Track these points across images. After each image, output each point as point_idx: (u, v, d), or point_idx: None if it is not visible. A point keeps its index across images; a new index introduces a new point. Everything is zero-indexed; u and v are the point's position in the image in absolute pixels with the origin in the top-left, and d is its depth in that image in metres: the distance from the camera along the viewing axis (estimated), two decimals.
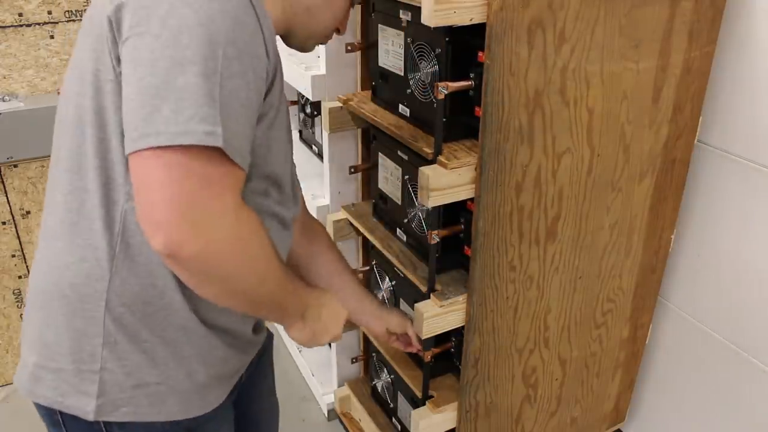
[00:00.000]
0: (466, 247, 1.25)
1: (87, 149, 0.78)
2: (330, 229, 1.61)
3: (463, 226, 1.25)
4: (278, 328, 2.31)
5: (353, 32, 1.48)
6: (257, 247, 0.77)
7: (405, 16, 1.23)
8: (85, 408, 0.82)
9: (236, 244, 0.73)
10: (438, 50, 1.15)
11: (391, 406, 1.70)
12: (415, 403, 1.50)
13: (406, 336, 1.34)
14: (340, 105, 1.48)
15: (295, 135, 2.10)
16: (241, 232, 0.73)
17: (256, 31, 0.75)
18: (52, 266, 0.83)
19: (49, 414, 0.86)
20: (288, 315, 0.91)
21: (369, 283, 1.68)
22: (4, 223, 1.91)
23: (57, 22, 1.82)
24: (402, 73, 1.30)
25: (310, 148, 1.99)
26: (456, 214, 1.25)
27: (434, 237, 1.21)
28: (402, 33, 1.26)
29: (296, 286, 0.90)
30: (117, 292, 0.80)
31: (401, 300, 1.50)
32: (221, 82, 0.70)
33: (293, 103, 2.05)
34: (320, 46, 1.49)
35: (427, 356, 1.34)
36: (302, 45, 1.01)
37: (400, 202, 1.41)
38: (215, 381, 0.90)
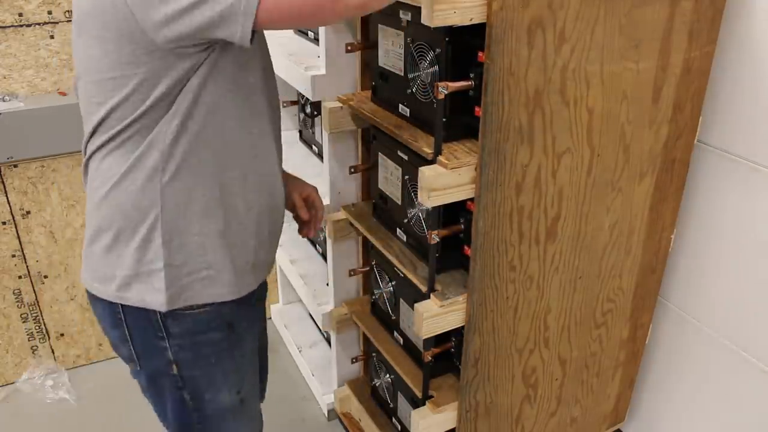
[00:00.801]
0: (466, 247, 1.25)
1: None
2: (330, 229, 1.61)
3: (463, 226, 1.25)
4: (276, 330, 2.31)
5: (353, 32, 1.48)
6: None
7: (405, 16, 1.23)
8: (159, 301, 1.00)
9: None
10: (438, 50, 1.15)
11: (391, 406, 1.70)
12: (415, 403, 1.50)
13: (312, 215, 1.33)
14: (340, 105, 1.48)
15: (295, 135, 2.10)
16: None
17: None
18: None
19: (111, 313, 1.03)
20: None
21: (369, 283, 1.68)
22: (4, 223, 1.91)
23: (57, 22, 1.82)
24: (402, 73, 1.30)
25: (310, 148, 1.99)
26: (456, 214, 1.25)
27: (434, 237, 1.21)
28: (402, 33, 1.26)
29: None
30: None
31: (401, 300, 1.50)
32: None
33: (293, 103, 2.05)
34: (320, 45, 1.50)
35: (427, 356, 1.34)
36: None
37: (400, 202, 1.41)
38: (250, 268, 1.07)
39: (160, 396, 1.11)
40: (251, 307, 1.14)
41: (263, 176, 1.06)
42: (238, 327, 1.09)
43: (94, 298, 1.06)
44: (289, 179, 1.29)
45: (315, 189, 1.32)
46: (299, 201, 1.29)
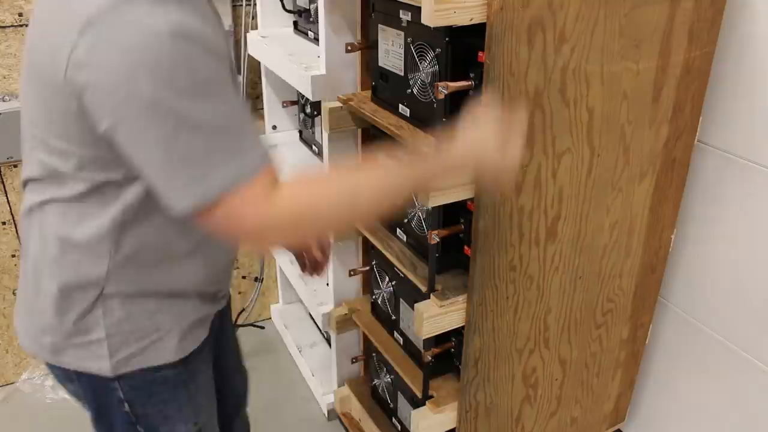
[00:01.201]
0: (466, 247, 1.25)
1: None
2: None
3: (463, 226, 1.25)
4: (277, 328, 2.31)
5: (353, 32, 1.48)
6: (316, 207, 0.81)
7: (405, 16, 1.23)
8: (102, 369, 0.95)
9: (297, 220, 0.80)
10: (438, 50, 1.15)
11: (391, 406, 1.70)
12: (415, 403, 1.50)
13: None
14: (340, 105, 1.48)
15: (295, 135, 2.10)
16: (290, 213, 0.79)
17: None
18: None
19: (64, 372, 0.99)
20: (420, 184, 0.93)
21: (369, 283, 1.68)
22: (4, 223, 1.91)
23: None
24: (402, 73, 1.30)
25: (310, 148, 1.99)
26: (456, 214, 1.25)
27: (434, 237, 1.21)
28: (402, 33, 1.26)
29: (399, 168, 0.87)
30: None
31: (401, 300, 1.50)
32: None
33: (293, 103, 2.05)
34: (320, 45, 1.49)
35: (427, 356, 1.34)
36: None
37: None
38: (200, 319, 1.01)
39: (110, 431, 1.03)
40: (206, 341, 1.06)
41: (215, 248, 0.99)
42: (192, 362, 1.02)
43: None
44: None
45: None
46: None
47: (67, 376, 0.99)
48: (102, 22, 0.72)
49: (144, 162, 0.77)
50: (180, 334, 0.97)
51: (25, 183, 0.95)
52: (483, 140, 0.90)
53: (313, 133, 1.93)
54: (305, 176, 0.83)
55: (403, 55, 1.28)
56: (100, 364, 0.94)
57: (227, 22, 2.00)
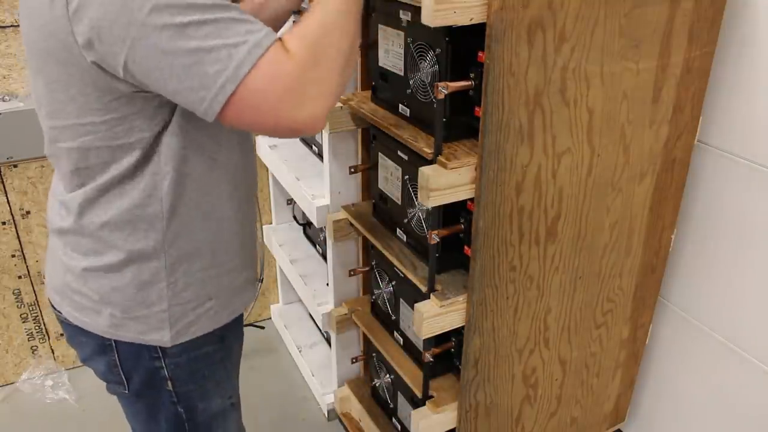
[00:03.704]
0: (466, 247, 1.25)
1: None
2: (330, 229, 1.61)
3: (463, 226, 1.25)
4: (279, 333, 2.31)
5: None
6: (320, 35, 0.84)
7: (405, 16, 1.23)
8: (163, 339, 1.00)
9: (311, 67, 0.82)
10: (438, 50, 1.15)
11: (391, 406, 1.70)
12: (415, 403, 1.50)
13: None
14: (340, 105, 1.48)
15: None
16: (307, 51, 0.82)
17: None
18: None
19: (97, 341, 1.02)
20: None
21: (369, 283, 1.68)
22: (4, 223, 1.91)
23: None
24: (402, 73, 1.30)
25: (310, 148, 1.99)
26: (456, 214, 1.25)
27: (434, 237, 1.21)
28: (402, 33, 1.26)
29: None
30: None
31: (401, 300, 1.50)
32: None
33: None
34: None
35: (427, 356, 1.34)
36: None
37: (400, 202, 1.41)
38: (241, 286, 1.08)
39: (152, 413, 1.09)
40: (239, 317, 1.14)
41: (248, 189, 1.06)
42: (228, 339, 1.10)
43: (70, 325, 1.03)
44: None
45: None
46: None
47: (101, 348, 1.03)
48: None
49: (168, 77, 0.78)
50: (227, 301, 1.05)
51: (73, 182, 0.95)
52: None
53: None
54: (294, 27, 0.85)
55: (403, 55, 1.28)
56: (161, 335, 0.99)
57: None
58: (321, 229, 1.82)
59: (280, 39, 0.82)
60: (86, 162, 0.90)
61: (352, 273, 1.68)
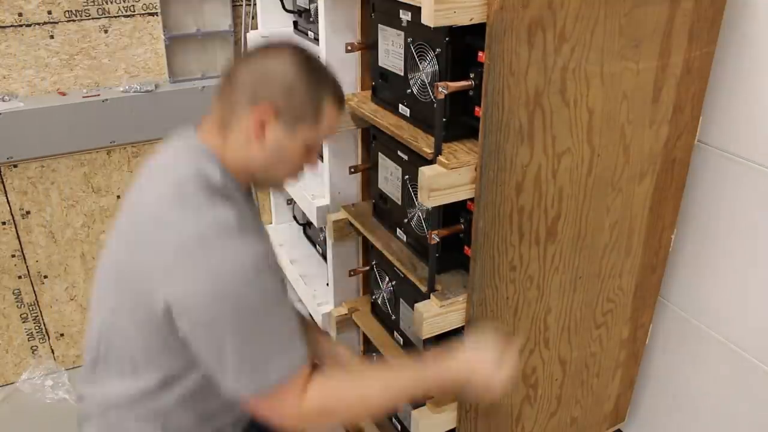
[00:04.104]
0: (466, 247, 1.25)
1: None
2: (330, 229, 1.61)
3: (463, 226, 1.25)
4: None
5: (353, 32, 1.48)
6: (337, 407, 1.01)
7: (405, 16, 1.23)
8: None
9: (325, 415, 1.00)
10: (438, 50, 1.15)
11: None
12: (415, 403, 1.50)
13: None
14: None
15: None
16: (317, 410, 0.98)
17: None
18: None
19: None
20: (422, 390, 1.12)
21: (369, 283, 1.68)
22: (4, 223, 1.91)
23: (57, 22, 1.82)
24: (402, 73, 1.30)
25: None
26: (456, 214, 1.25)
27: (434, 237, 1.21)
28: (402, 33, 1.26)
29: (406, 375, 1.07)
30: None
31: (401, 300, 1.50)
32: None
33: None
34: (320, 45, 1.50)
35: None
36: (273, 188, 1.19)
37: (400, 202, 1.41)
38: None
39: None
40: None
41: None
42: None
43: None
44: (321, 340, 1.37)
45: (346, 352, 1.36)
46: (329, 361, 1.35)
47: None
48: (195, 251, 0.90)
49: (214, 360, 0.94)
50: None
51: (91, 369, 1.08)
52: (481, 363, 1.08)
53: None
54: (330, 378, 1.01)
55: (403, 55, 1.28)
56: None
57: (227, 22, 2.00)
58: (321, 229, 1.82)
59: (306, 369, 0.97)
60: (122, 374, 1.04)
61: (352, 273, 1.68)
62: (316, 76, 1.02)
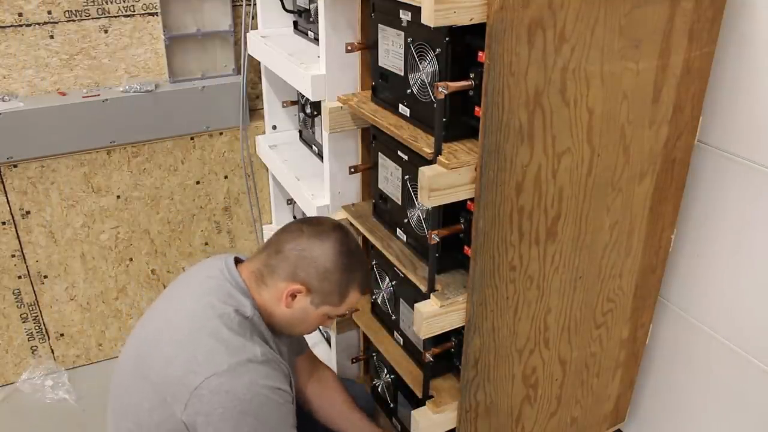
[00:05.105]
0: (466, 247, 1.25)
1: None
2: None
3: (463, 226, 1.25)
4: None
5: (353, 32, 1.48)
6: None
7: (405, 16, 1.23)
8: None
9: None
10: (438, 50, 1.15)
11: (391, 406, 1.70)
12: (415, 403, 1.50)
13: None
14: (340, 105, 1.48)
15: (295, 135, 2.10)
16: None
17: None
18: None
19: None
20: None
21: (369, 283, 1.68)
22: (3, 223, 1.91)
23: (57, 22, 1.82)
24: (402, 73, 1.30)
25: (310, 148, 1.99)
26: (456, 214, 1.25)
27: (434, 237, 1.21)
28: (402, 33, 1.26)
29: None
30: None
31: (401, 300, 1.50)
32: None
33: (293, 103, 2.05)
34: (320, 45, 1.50)
35: (427, 356, 1.34)
36: (289, 336, 1.30)
37: (400, 202, 1.41)
38: None
39: None
40: None
41: None
42: None
43: None
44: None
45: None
46: None
47: None
48: (223, 375, 1.05)
49: None
50: None
51: None
52: None
53: (313, 133, 1.93)
54: None
55: (403, 55, 1.28)
56: None
57: (227, 22, 2.00)
58: None
59: None
60: None
61: None
62: (351, 266, 1.21)
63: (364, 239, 1.59)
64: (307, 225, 1.22)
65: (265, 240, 1.28)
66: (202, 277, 1.21)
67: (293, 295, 1.18)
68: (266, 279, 1.19)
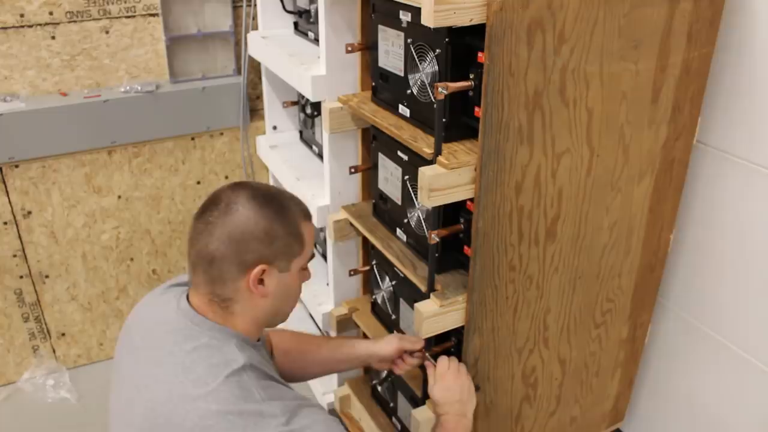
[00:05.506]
0: (466, 247, 1.25)
1: None
2: (330, 229, 1.62)
3: (463, 226, 1.26)
4: None
5: (353, 33, 1.48)
6: None
7: (405, 16, 1.23)
8: None
9: None
10: (438, 50, 1.16)
11: (391, 405, 1.70)
12: (415, 402, 1.50)
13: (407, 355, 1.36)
14: (341, 105, 1.49)
15: (296, 135, 2.11)
16: None
17: None
18: None
19: None
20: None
21: (369, 283, 1.69)
22: (5, 223, 1.91)
23: (58, 23, 1.82)
24: (402, 74, 1.30)
25: (310, 148, 2.00)
26: (456, 214, 1.26)
27: (434, 237, 1.22)
28: (402, 33, 1.27)
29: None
30: None
31: (401, 300, 1.50)
32: None
33: (293, 103, 2.05)
34: (320, 46, 1.50)
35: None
36: (280, 322, 1.16)
37: (400, 202, 1.41)
38: None
39: None
40: None
41: None
42: None
43: None
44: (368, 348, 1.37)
45: (397, 339, 1.36)
46: (397, 353, 1.35)
47: None
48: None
49: None
50: None
51: None
52: (449, 389, 1.23)
53: (314, 133, 1.94)
54: None
55: (403, 56, 1.28)
56: None
57: (228, 22, 2.01)
58: (321, 229, 1.82)
59: None
60: None
61: (352, 273, 1.68)
62: (279, 207, 1.03)
63: (364, 239, 1.59)
64: (207, 214, 1.03)
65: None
66: (173, 350, 1.01)
67: (260, 281, 1.02)
68: (227, 295, 1.03)
